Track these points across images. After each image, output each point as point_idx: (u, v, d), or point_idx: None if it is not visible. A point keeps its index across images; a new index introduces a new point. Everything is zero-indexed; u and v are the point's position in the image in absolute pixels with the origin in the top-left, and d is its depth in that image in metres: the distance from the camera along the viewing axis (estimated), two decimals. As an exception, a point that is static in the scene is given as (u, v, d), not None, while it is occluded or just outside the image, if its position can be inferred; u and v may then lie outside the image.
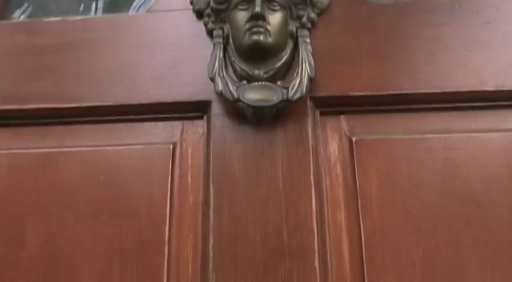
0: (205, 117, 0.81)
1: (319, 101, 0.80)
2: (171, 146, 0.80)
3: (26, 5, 1.01)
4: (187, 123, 0.82)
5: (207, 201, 0.75)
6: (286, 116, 0.78)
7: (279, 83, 0.76)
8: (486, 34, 0.82)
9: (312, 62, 0.77)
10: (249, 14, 0.76)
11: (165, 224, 0.75)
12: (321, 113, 0.80)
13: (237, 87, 0.75)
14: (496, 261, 0.70)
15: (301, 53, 0.78)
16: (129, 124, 0.83)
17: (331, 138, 0.79)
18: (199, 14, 0.85)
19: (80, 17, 0.92)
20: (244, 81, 0.76)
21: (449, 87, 0.79)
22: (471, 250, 0.70)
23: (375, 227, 0.72)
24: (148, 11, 0.91)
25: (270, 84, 0.76)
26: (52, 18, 0.91)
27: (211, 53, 0.79)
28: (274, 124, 0.77)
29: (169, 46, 0.85)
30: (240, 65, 0.78)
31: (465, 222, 0.72)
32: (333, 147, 0.79)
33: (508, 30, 0.82)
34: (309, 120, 0.78)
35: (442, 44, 0.81)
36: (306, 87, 0.75)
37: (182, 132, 0.82)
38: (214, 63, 0.77)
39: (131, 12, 0.96)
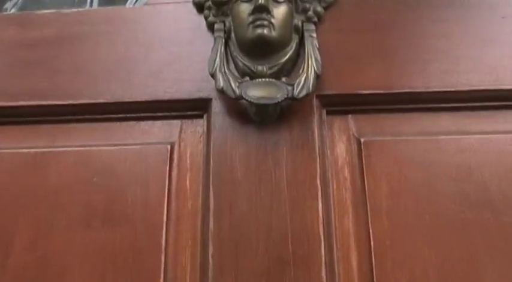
0: (205, 116, 0.80)
1: (326, 100, 0.78)
2: (169, 146, 0.79)
3: (17, -4, 1.01)
4: (186, 122, 0.81)
5: (206, 205, 0.73)
6: (291, 115, 0.76)
7: (283, 79, 0.75)
8: (502, 29, 0.81)
9: (319, 58, 0.76)
10: (252, 6, 0.74)
11: (162, 230, 0.73)
12: (328, 112, 0.79)
13: (239, 83, 0.74)
14: (514, 272, 0.68)
15: (307, 48, 0.77)
16: (125, 123, 0.82)
17: (339, 139, 0.78)
18: (200, 7, 0.85)
19: (74, 10, 0.91)
20: (247, 78, 0.75)
21: (464, 86, 0.77)
22: (488, 259, 0.68)
23: (385, 234, 0.71)
24: (146, 3, 0.90)
25: (274, 80, 0.74)
26: (45, 11, 0.89)
27: (212, 48, 0.78)
28: (278, 123, 0.76)
29: (168, 41, 0.84)
30: (243, 61, 0.76)
31: (481, 230, 0.70)
32: (341, 149, 0.77)
33: (526, 25, 0.81)
34: (315, 119, 0.76)
35: (455, 40, 0.80)
36: (313, 84, 0.74)
37: (181, 131, 0.80)
38: (215, 58, 0.76)
39: (128, 4, 0.96)
